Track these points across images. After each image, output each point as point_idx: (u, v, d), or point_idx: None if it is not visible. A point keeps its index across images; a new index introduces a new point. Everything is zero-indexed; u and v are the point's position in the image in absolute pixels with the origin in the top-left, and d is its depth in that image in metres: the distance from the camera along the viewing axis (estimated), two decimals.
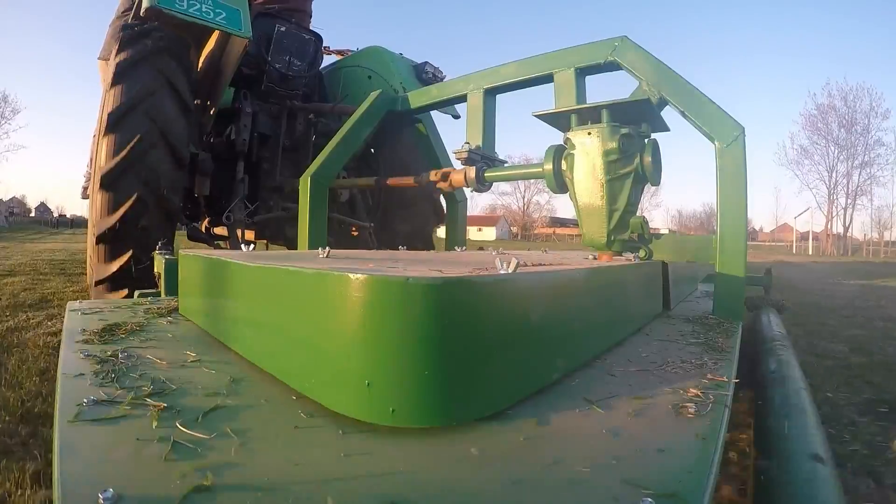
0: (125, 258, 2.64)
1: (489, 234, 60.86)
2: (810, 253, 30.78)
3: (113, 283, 2.67)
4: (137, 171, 2.65)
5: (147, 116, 2.71)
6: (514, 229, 65.18)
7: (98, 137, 2.96)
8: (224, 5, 2.92)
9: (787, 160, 39.60)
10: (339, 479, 0.56)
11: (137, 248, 2.64)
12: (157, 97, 2.77)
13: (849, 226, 35.89)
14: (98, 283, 2.69)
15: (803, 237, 37.22)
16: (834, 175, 35.78)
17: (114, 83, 2.74)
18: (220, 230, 4.13)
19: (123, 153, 2.60)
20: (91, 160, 3.99)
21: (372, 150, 4.14)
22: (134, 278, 2.60)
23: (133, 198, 2.62)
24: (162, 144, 2.75)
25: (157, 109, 2.75)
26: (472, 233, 58.77)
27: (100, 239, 2.64)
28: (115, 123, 2.66)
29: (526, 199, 63.83)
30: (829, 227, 35.53)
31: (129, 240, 2.65)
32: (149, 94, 2.74)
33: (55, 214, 66.20)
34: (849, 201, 35.56)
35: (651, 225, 1.75)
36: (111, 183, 2.62)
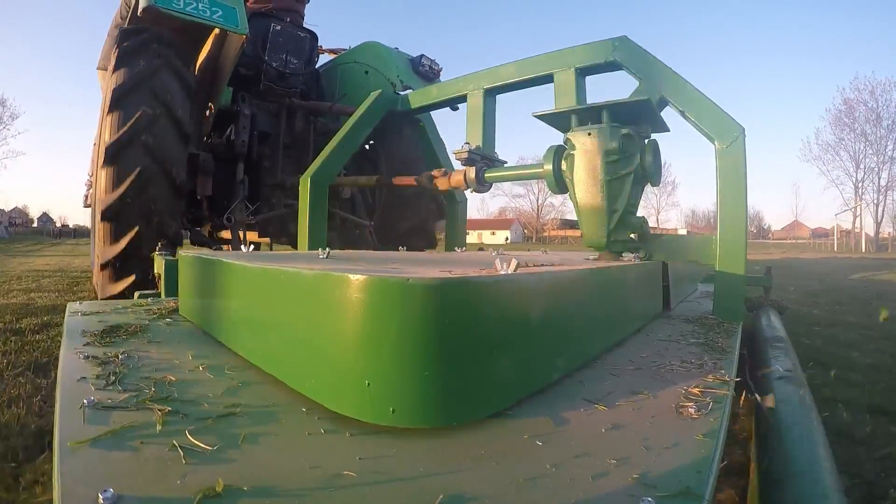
0: (132, 234, 2.59)
1: (503, 237, 59.33)
2: (863, 250, 29.56)
3: (119, 265, 2.60)
4: (142, 142, 2.67)
5: (150, 92, 2.77)
6: (527, 232, 61.94)
7: (101, 118, 3.02)
8: (220, 3, 2.95)
9: (811, 156, 39.25)
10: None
11: (143, 223, 2.60)
12: (159, 75, 2.84)
13: (881, 221, 35.09)
14: (104, 266, 2.64)
15: (815, 234, 36.47)
16: (862, 170, 34.98)
17: (116, 67, 2.80)
18: (224, 234, 4.13)
19: (128, 125, 2.63)
20: (92, 172, 4.02)
21: (368, 147, 4.13)
22: (141, 258, 2.53)
23: (137, 170, 2.60)
24: (165, 117, 2.78)
25: (160, 86, 2.82)
26: (486, 237, 57.47)
27: (105, 215, 2.60)
28: (119, 101, 2.70)
29: (540, 202, 59.59)
30: (858, 223, 34.64)
31: (135, 214, 2.61)
32: (152, 73, 2.81)
33: (58, 224, 66.03)
34: (880, 197, 34.81)
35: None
36: (115, 154, 2.61)
